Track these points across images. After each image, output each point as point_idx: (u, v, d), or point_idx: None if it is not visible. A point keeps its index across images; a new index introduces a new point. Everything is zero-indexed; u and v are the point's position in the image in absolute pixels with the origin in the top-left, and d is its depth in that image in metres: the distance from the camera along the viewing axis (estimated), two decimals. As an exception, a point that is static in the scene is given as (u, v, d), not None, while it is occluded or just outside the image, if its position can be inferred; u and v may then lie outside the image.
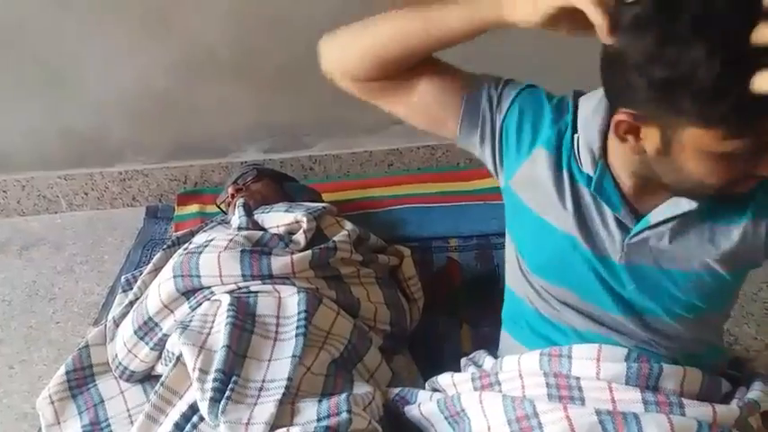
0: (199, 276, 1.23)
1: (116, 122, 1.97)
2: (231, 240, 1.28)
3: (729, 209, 0.81)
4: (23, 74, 1.86)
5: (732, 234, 0.82)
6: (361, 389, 1.08)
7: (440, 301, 1.51)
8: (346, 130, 2.06)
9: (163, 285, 1.27)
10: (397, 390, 1.12)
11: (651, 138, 0.72)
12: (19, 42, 1.80)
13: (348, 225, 1.43)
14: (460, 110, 0.91)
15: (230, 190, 1.62)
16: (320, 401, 1.01)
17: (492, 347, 1.14)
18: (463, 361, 1.15)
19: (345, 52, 0.92)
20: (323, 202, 1.64)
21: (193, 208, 1.95)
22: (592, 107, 0.84)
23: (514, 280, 1.03)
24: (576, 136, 0.86)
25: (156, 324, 1.26)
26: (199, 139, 2.03)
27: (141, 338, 1.26)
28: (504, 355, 1.05)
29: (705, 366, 0.93)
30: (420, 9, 0.84)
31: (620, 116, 0.72)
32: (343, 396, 1.00)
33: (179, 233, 1.55)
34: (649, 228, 0.84)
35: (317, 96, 1.97)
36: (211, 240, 1.31)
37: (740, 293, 1.59)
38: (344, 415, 0.97)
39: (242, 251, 1.24)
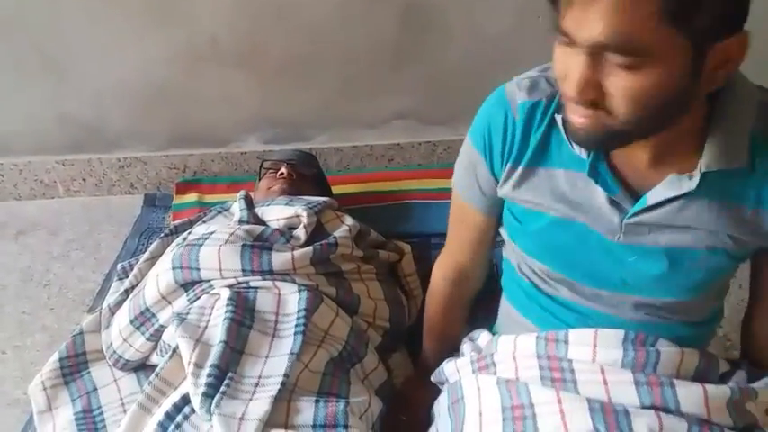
0: (198, 269, 1.22)
1: (116, 109, 1.96)
2: (232, 234, 1.27)
3: (734, 189, 0.80)
4: (23, 59, 1.84)
5: (736, 214, 0.80)
6: (357, 395, 1.07)
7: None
8: (348, 124, 2.05)
9: (161, 276, 1.26)
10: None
11: (739, 55, 0.69)
12: (19, 28, 1.78)
13: (348, 220, 1.42)
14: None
15: (285, 169, 1.60)
16: (317, 402, 1.00)
17: (491, 318, 1.17)
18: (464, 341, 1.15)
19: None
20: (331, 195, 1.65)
21: (192, 197, 1.94)
22: None
23: (512, 255, 1.04)
24: (560, 119, 0.82)
25: (153, 314, 1.25)
26: (199, 128, 2.02)
27: (137, 328, 1.26)
28: (504, 324, 1.10)
29: (702, 332, 0.95)
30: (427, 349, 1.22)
31: (740, 38, 0.67)
32: (341, 407, 0.99)
33: (177, 222, 1.54)
34: (647, 209, 0.82)
35: (320, 89, 1.97)
36: (212, 233, 1.29)
37: (738, 300, 1.60)
38: (341, 430, 0.96)
39: (243, 245, 1.23)
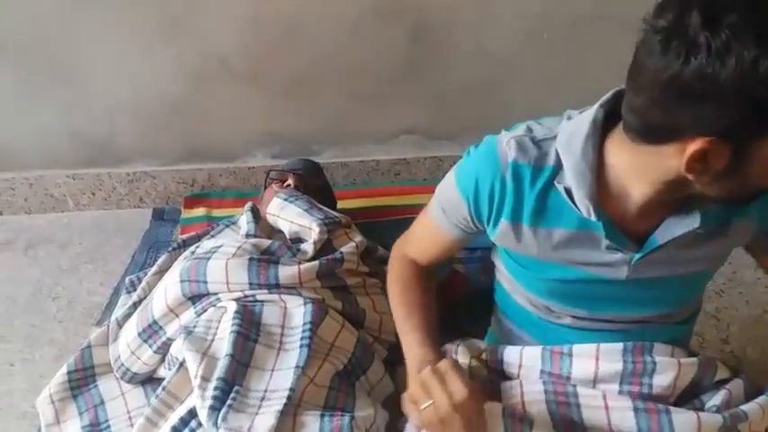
0: (206, 282, 1.24)
1: (126, 125, 1.98)
2: (239, 248, 1.28)
3: (727, 212, 0.85)
4: (36, 74, 1.87)
5: (730, 232, 0.86)
6: (363, 409, 1.07)
7: (441, 313, 1.50)
8: (354, 139, 2.07)
9: (169, 289, 1.27)
10: None
11: (720, 157, 0.70)
12: (33, 43, 1.81)
13: (357, 237, 1.43)
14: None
15: (292, 180, 1.60)
16: (322, 416, 1.01)
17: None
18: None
19: None
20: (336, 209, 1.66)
21: (200, 211, 1.96)
22: (577, 154, 0.82)
23: (508, 285, 1.06)
24: (562, 187, 0.85)
25: (161, 327, 1.26)
26: (208, 143, 2.04)
27: (145, 341, 1.26)
28: (500, 334, 1.13)
29: (690, 326, 1.04)
30: (405, 331, 1.03)
31: (696, 144, 0.70)
32: (347, 422, 0.99)
33: (185, 236, 1.55)
34: (657, 249, 0.86)
35: (327, 104, 1.99)
36: (220, 246, 1.31)
37: (744, 317, 1.61)
38: None
39: (250, 259, 1.24)
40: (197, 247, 1.40)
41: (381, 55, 1.89)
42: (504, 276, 1.05)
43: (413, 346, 0.99)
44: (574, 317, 0.98)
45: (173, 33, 1.81)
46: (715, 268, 0.96)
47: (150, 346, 1.26)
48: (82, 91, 1.91)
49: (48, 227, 2.05)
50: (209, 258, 1.26)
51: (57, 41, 1.81)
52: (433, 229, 1.04)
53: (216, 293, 1.24)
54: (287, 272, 1.24)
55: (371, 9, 1.81)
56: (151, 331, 1.26)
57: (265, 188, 1.68)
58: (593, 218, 0.83)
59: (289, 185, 1.59)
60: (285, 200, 1.47)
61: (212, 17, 1.79)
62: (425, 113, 2.02)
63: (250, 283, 1.22)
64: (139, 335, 1.27)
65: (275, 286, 1.23)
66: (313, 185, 1.65)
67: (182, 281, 1.25)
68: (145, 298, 1.38)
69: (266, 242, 1.33)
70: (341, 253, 1.33)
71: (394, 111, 2.01)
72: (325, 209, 1.49)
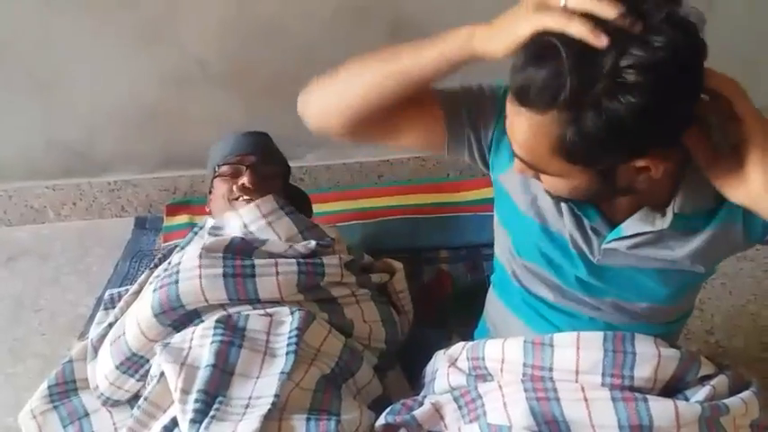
0: (183, 306, 1.17)
1: (105, 133, 1.96)
2: (200, 258, 1.19)
3: (699, 218, 0.85)
4: (12, 83, 1.84)
5: (701, 239, 0.86)
6: (349, 412, 1.06)
7: (429, 314, 1.50)
8: (337, 141, 2.06)
9: (143, 323, 1.19)
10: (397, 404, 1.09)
11: (658, 165, 0.74)
12: (9, 51, 1.79)
13: (341, 246, 1.39)
14: (445, 139, 0.96)
15: (248, 178, 1.38)
16: (308, 420, 1.00)
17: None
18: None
19: (325, 110, 0.95)
20: (312, 213, 1.63)
21: (183, 218, 1.94)
22: None
23: (504, 257, 1.08)
24: None
25: (142, 357, 1.20)
26: (189, 149, 2.02)
27: (125, 372, 1.21)
28: (493, 319, 1.15)
29: (679, 326, 1.06)
30: (391, 54, 0.85)
31: (644, 162, 0.72)
32: (332, 426, 0.98)
33: (165, 247, 1.51)
34: (621, 238, 0.88)
35: (308, 107, 1.98)
36: (180, 264, 1.21)
37: (728, 307, 1.62)
38: None
39: (224, 276, 1.17)
40: (169, 262, 1.30)
41: (359, 53, 1.89)
42: (502, 241, 1.06)
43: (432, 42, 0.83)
44: (557, 293, 0.99)
45: (149, 39, 1.80)
46: (696, 273, 0.92)
47: (132, 376, 1.21)
48: (59, 100, 1.88)
49: (28, 239, 2.02)
50: (177, 282, 1.18)
51: (32, 48, 1.79)
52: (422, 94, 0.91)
53: (196, 310, 1.19)
54: (266, 284, 1.19)
55: (347, 6, 1.80)
56: (130, 363, 1.20)
57: (212, 183, 1.46)
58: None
59: (244, 185, 1.39)
60: (282, 210, 1.35)
61: (189, 20, 1.78)
62: (407, 114, 2.02)
63: (230, 300, 1.18)
64: (117, 368, 1.21)
65: (257, 301, 1.19)
66: (271, 173, 1.46)
67: (155, 315, 1.17)
68: (121, 318, 1.30)
69: (227, 239, 1.24)
70: (321, 261, 1.27)
71: (375, 112, 2.01)
72: (318, 235, 1.36)
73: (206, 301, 1.18)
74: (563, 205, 0.89)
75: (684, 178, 0.81)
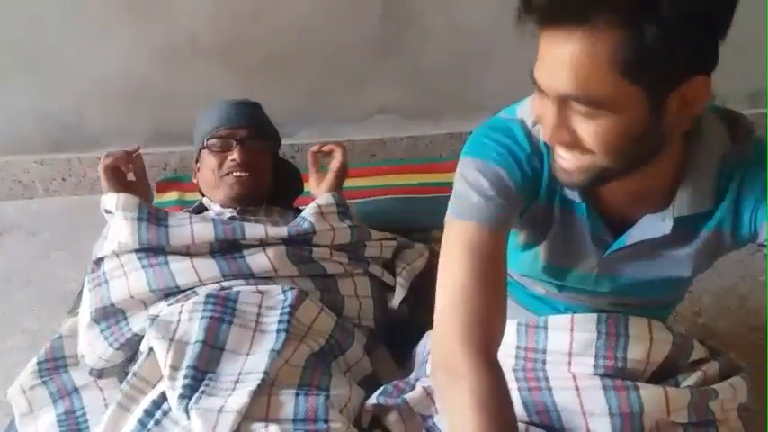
0: (177, 285, 1.18)
1: (95, 107, 1.94)
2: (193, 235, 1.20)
3: (697, 221, 0.84)
4: (0, 57, 1.81)
5: (700, 241, 0.86)
6: (338, 388, 1.07)
7: (419, 292, 1.50)
8: (329, 119, 2.05)
9: (134, 289, 1.18)
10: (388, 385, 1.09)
11: (704, 93, 0.70)
12: (-5, 24, 1.76)
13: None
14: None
15: (238, 154, 1.32)
16: (297, 395, 1.00)
17: None
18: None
19: None
20: (302, 189, 1.61)
21: (173, 195, 1.93)
22: None
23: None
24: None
25: (121, 311, 1.19)
26: (179, 125, 1.99)
27: (103, 330, 1.18)
28: None
29: (669, 310, 1.06)
30: None
31: (699, 82, 0.68)
32: (321, 401, 0.99)
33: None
34: (625, 247, 0.87)
35: (301, 84, 1.96)
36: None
37: (716, 289, 1.63)
38: (322, 425, 0.96)
39: (214, 255, 1.19)
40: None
41: (354, 33, 1.87)
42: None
43: None
44: (552, 289, 0.99)
45: (140, 13, 1.77)
46: (689, 274, 0.92)
47: (107, 339, 1.17)
48: (48, 74, 1.86)
49: (17, 214, 2.00)
50: (168, 263, 1.18)
51: (20, 25, 1.76)
52: (485, 248, 0.82)
53: (192, 287, 1.19)
54: (257, 260, 1.20)
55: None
56: (105, 312, 1.17)
57: (197, 160, 1.43)
58: (577, 199, 0.85)
59: (234, 161, 1.34)
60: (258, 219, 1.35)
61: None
62: (400, 92, 2.01)
63: (224, 276, 1.18)
64: (94, 319, 1.17)
65: (250, 276, 1.20)
66: (262, 147, 1.41)
67: (152, 290, 1.17)
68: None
69: (210, 214, 1.26)
70: (308, 222, 1.26)
71: (368, 90, 1.99)
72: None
73: (200, 280, 1.18)
74: (559, 221, 0.88)
75: (682, 183, 0.81)
